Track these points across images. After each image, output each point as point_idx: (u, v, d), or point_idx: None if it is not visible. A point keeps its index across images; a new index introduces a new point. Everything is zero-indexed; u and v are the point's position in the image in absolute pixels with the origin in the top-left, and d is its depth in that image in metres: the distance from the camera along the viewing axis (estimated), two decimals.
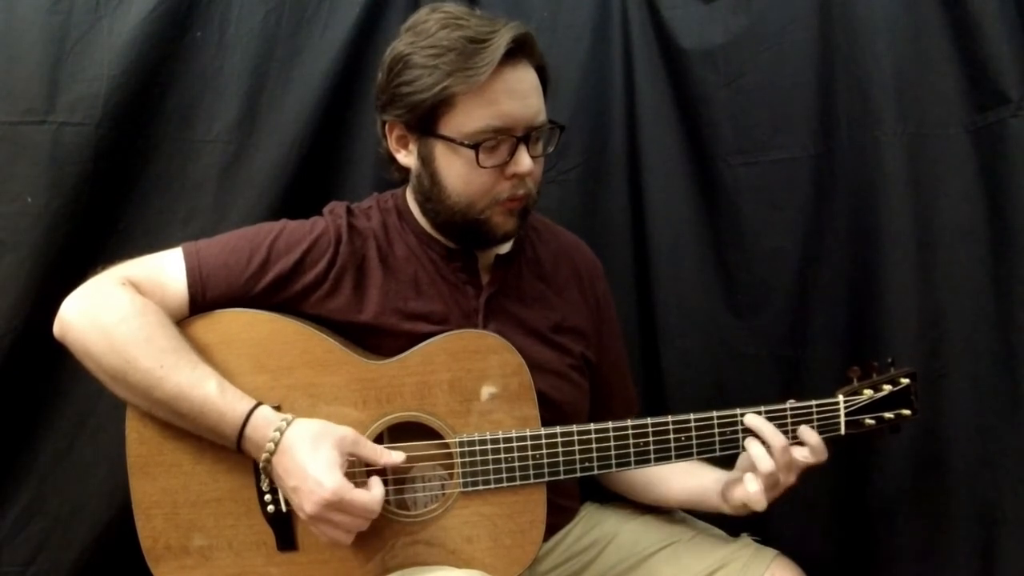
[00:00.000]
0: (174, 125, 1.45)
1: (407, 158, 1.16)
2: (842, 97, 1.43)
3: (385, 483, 1.09)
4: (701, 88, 1.53)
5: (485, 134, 1.07)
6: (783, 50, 1.48)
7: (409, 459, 1.10)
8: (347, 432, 1.06)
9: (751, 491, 1.11)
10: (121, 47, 1.39)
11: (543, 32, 1.55)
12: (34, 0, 1.37)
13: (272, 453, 1.03)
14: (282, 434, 1.03)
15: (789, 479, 1.12)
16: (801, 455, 1.11)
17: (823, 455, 1.12)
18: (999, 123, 1.29)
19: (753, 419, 1.12)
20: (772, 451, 1.10)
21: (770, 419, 1.12)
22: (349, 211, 1.20)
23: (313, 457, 1.01)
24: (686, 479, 1.25)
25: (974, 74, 1.31)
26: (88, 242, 1.39)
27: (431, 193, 1.14)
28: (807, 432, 1.12)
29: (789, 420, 1.13)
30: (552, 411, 1.16)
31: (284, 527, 1.10)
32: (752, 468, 1.11)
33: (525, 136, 1.09)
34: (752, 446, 1.11)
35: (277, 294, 1.13)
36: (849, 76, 1.42)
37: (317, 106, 1.47)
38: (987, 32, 1.28)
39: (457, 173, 1.11)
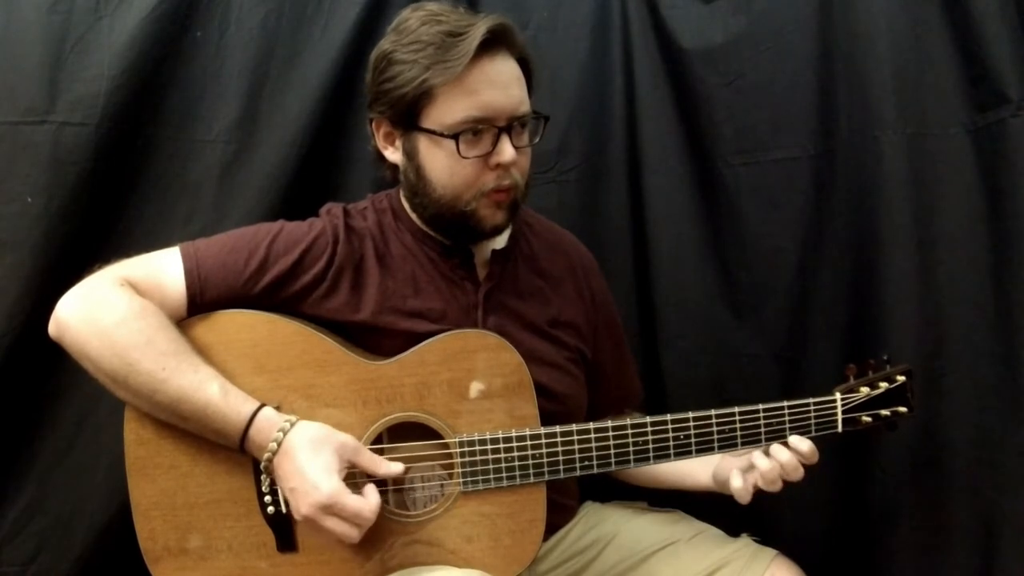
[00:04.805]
0: (174, 125, 1.45)
1: (394, 155, 1.17)
2: (842, 97, 1.43)
3: (385, 484, 1.09)
4: (701, 88, 1.53)
5: (466, 124, 1.08)
6: (783, 50, 1.48)
7: (409, 459, 1.10)
8: (348, 440, 1.06)
9: (737, 486, 1.14)
10: (121, 47, 1.39)
11: (543, 32, 1.56)
12: (34, 0, 1.37)
13: (274, 453, 1.03)
14: (285, 435, 1.03)
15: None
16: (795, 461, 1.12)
17: (814, 458, 1.13)
18: (999, 123, 1.28)
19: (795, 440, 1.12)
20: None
21: (767, 417, 1.13)
22: (346, 212, 1.20)
23: (312, 460, 1.02)
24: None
25: (974, 74, 1.31)
26: (88, 242, 1.39)
27: (418, 187, 1.15)
28: (799, 441, 1.12)
29: (787, 418, 1.13)
30: (554, 402, 1.16)
31: (284, 528, 1.10)
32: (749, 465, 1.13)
33: (508, 126, 1.10)
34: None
35: (276, 295, 1.13)
36: (849, 76, 1.41)
37: (317, 106, 1.47)
38: (987, 32, 1.28)
39: (441, 166, 1.11)
